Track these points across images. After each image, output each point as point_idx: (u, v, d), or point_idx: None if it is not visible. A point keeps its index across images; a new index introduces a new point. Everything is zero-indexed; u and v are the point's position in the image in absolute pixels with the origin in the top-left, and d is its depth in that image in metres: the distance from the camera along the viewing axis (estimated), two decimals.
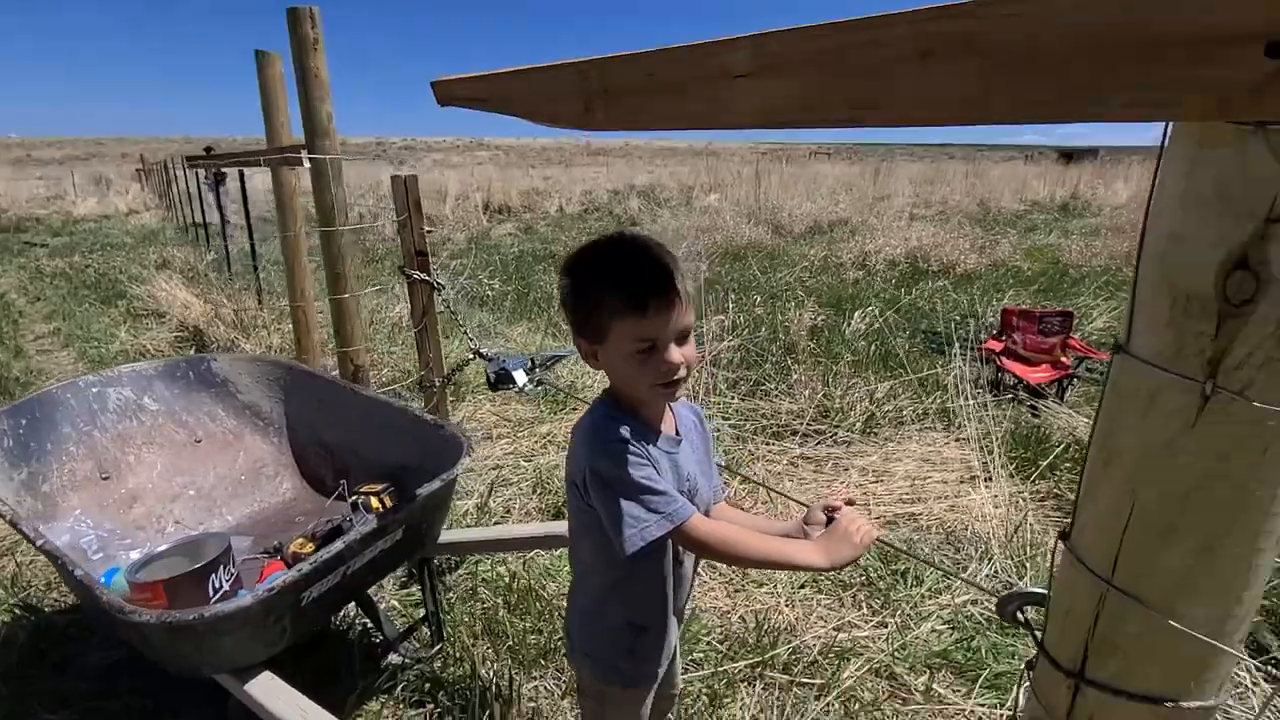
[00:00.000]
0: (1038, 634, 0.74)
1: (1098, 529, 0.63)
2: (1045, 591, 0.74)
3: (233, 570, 1.40)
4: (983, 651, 1.81)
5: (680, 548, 1.02)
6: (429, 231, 2.23)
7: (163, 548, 1.41)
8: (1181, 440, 0.55)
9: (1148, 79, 0.46)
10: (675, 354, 0.90)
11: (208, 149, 9.17)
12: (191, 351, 4.41)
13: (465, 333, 2.14)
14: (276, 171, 3.59)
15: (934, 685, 1.71)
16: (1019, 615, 0.79)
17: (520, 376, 1.79)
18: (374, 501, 1.65)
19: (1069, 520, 0.69)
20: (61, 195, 17.05)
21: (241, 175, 6.28)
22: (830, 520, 1.04)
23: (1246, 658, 0.58)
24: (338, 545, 1.22)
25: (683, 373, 0.93)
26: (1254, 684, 1.68)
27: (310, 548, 1.53)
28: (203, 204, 8.39)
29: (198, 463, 1.82)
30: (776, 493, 2.60)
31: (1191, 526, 0.56)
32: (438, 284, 2.27)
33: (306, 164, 2.93)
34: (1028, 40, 0.50)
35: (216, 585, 1.34)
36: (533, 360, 1.89)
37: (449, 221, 11.34)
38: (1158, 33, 0.45)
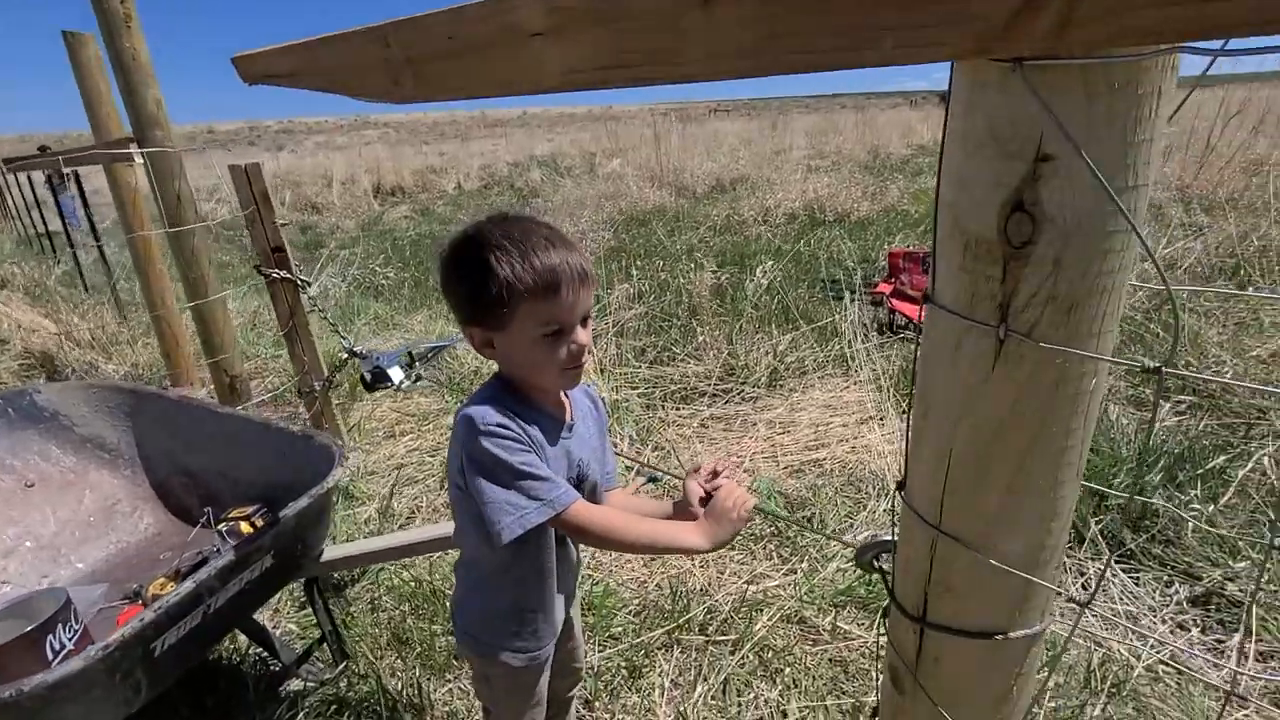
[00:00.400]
0: (890, 582, 0.75)
1: (925, 477, 0.63)
2: (893, 539, 0.75)
3: (76, 626, 1.25)
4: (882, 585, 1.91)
5: None
6: (282, 225, 2.04)
7: None
8: (985, 385, 0.55)
9: (910, 18, 0.44)
10: (583, 335, 0.89)
11: (42, 148, 8.10)
12: (42, 379, 3.93)
13: (337, 331, 1.99)
14: (110, 169, 3.19)
15: (839, 623, 1.79)
16: (874, 564, 0.80)
17: (396, 374, 1.69)
18: (245, 526, 1.52)
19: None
20: None
21: (77, 176, 5.59)
22: (709, 495, 1.04)
23: (1057, 588, 0.60)
24: (188, 586, 1.11)
25: (587, 355, 0.92)
26: (1112, 575, 1.86)
27: (172, 586, 1.39)
28: (42, 211, 7.44)
29: (32, 510, 1.61)
30: (649, 468, 2.63)
31: (1001, 467, 0.57)
32: (302, 281, 2.09)
33: (139, 159, 2.62)
34: None
35: (56, 646, 1.20)
36: (411, 354, 1.78)
37: (336, 208, 10.63)
38: None
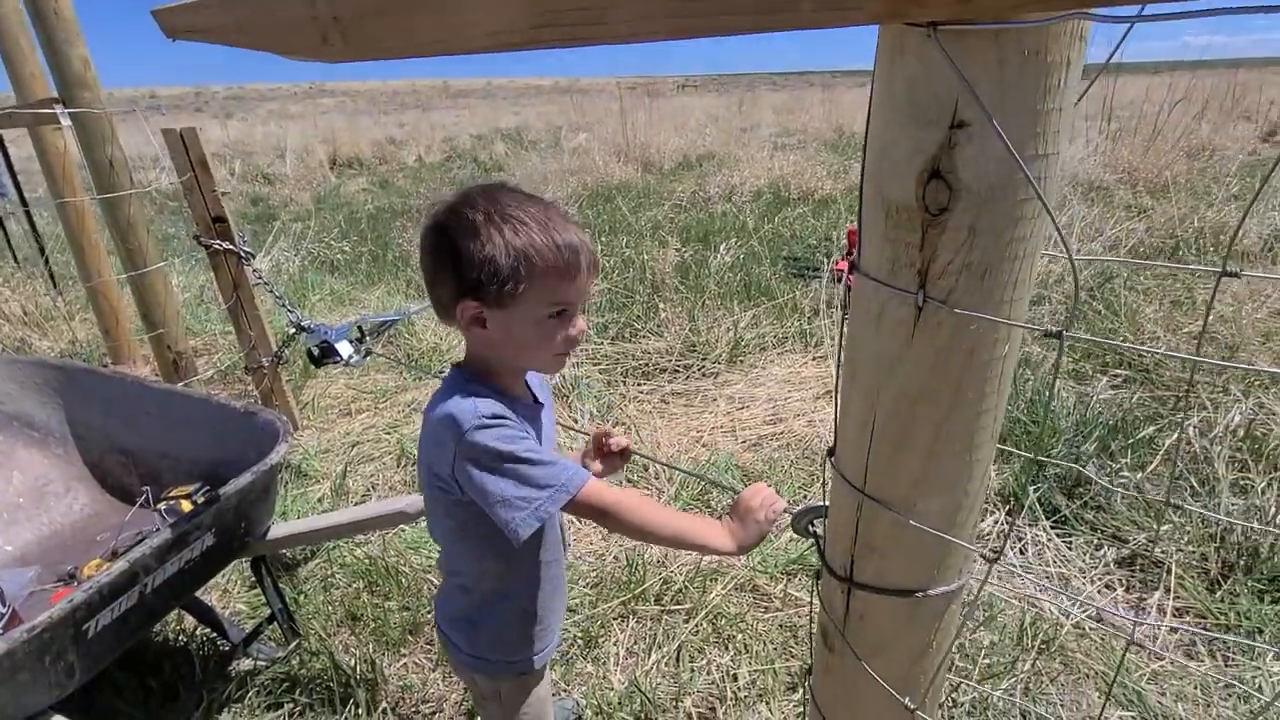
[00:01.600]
0: (822, 545, 0.78)
1: (851, 443, 0.65)
2: (824, 504, 0.77)
3: (3, 609, 1.20)
4: None
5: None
6: (224, 194, 1.96)
7: None
8: (905, 351, 0.57)
9: None
10: (582, 321, 0.87)
11: None
12: None
13: (283, 303, 1.93)
14: (35, 133, 3.00)
15: (790, 590, 1.84)
16: (809, 528, 0.82)
17: (345, 348, 1.65)
18: (185, 505, 1.48)
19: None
20: None
21: (1, 141, 5.25)
22: (604, 449, 1.05)
23: (973, 548, 0.63)
24: (120, 565, 1.07)
25: (579, 344, 0.88)
26: (1049, 541, 1.95)
27: (108, 567, 1.35)
28: None
29: None
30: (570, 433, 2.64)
31: (920, 432, 0.59)
32: (245, 252, 2.02)
33: (65, 121, 2.48)
34: None
35: None
36: (360, 329, 1.74)
37: (290, 180, 10.23)
38: None
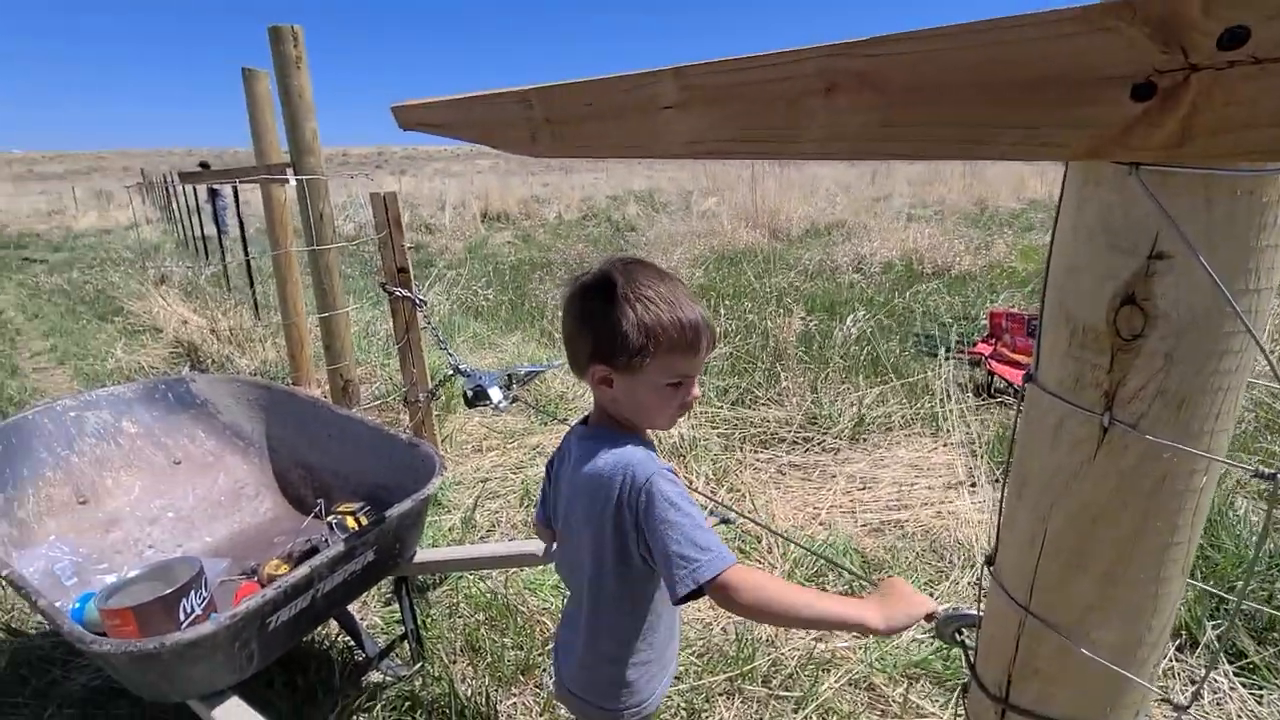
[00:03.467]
0: (971, 658, 0.74)
1: (1015, 555, 0.63)
2: (978, 614, 0.74)
3: (205, 594, 1.41)
4: (961, 660, 1.81)
5: None
6: (411, 249, 2.25)
7: (134, 573, 1.42)
8: (1086, 470, 0.56)
9: (1029, 118, 0.47)
10: (696, 389, 0.95)
11: (203, 164, 9.25)
12: (186, 367, 4.44)
13: (445, 349, 2.16)
14: (266, 188, 3.62)
15: (911, 695, 1.71)
16: (957, 637, 0.79)
17: (496, 393, 1.80)
18: (350, 521, 1.66)
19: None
20: (62, 210, 17.18)
21: (235, 190, 6.32)
22: None
23: (1154, 689, 0.58)
24: (303, 570, 1.23)
25: (692, 408, 0.97)
26: (1231, 690, 1.67)
27: (285, 569, 1.54)
28: (201, 217, 8.46)
29: (176, 485, 1.83)
30: (723, 508, 2.61)
31: (1098, 555, 0.57)
32: (419, 300, 2.28)
33: (292, 183, 2.97)
34: (916, 77, 0.51)
35: (188, 610, 1.35)
36: (510, 376, 1.90)
37: (447, 230, 11.38)
38: (1036, 74, 0.46)
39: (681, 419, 3.22)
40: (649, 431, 1.00)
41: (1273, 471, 0.45)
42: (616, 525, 0.89)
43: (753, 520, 2.44)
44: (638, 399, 0.92)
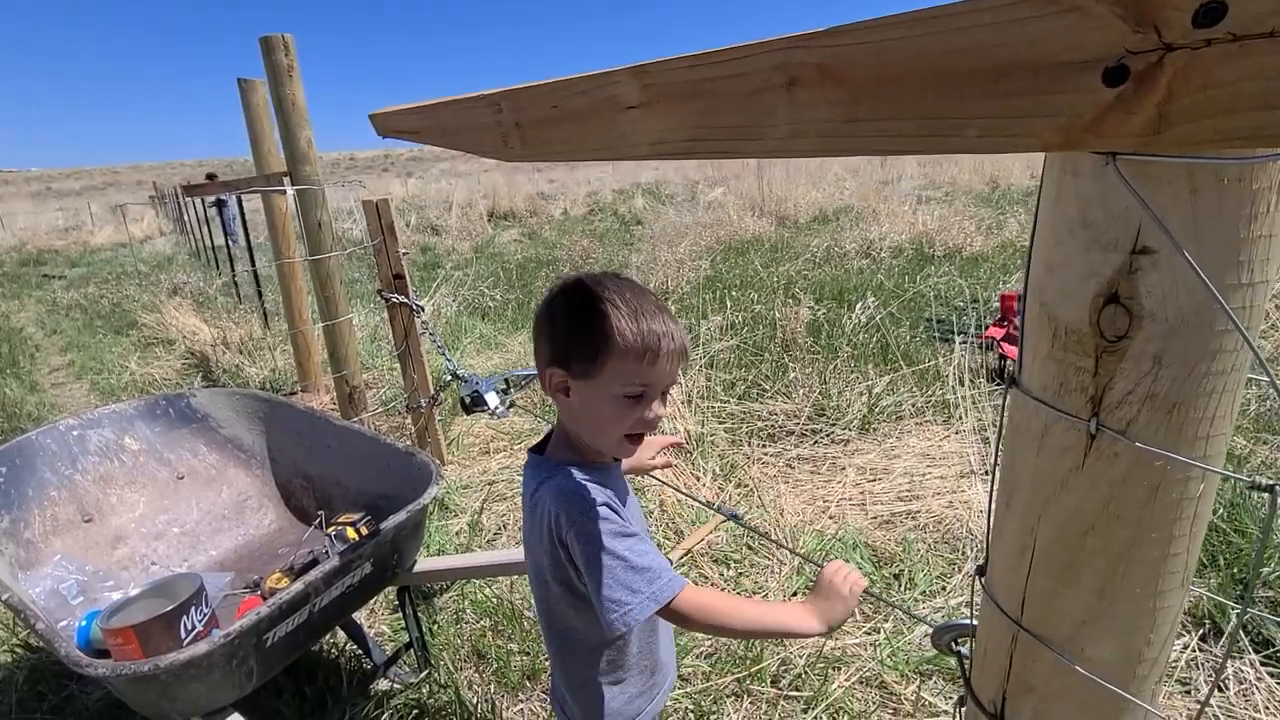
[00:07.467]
0: (967, 669, 0.71)
1: (1006, 566, 0.60)
2: (972, 623, 0.71)
3: (205, 610, 1.41)
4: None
5: None
6: (404, 254, 2.24)
7: (135, 591, 1.43)
8: (1074, 479, 0.52)
9: (995, 108, 0.44)
10: (658, 408, 0.88)
11: (210, 175, 9.34)
12: (199, 378, 4.49)
13: (443, 353, 2.14)
14: (266, 198, 3.63)
15: (924, 693, 1.67)
16: (952, 647, 0.76)
17: (493, 399, 1.79)
18: (350, 532, 1.66)
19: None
20: (79, 225, 17.48)
21: (239, 201, 6.37)
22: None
23: (1152, 708, 0.55)
24: (298, 587, 1.22)
25: (653, 432, 0.90)
26: (1258, 680, 1.62)
27: (285, 582, 1.54)
28: (210, 228, 8.56)
29: (180, 499, 1.84)
30: (730, 506, 2.58)
31: (1090, 567, 0.53)
32: (416, 306, 2.27)
33: (290, 192, 2.97)
34: (877, 69, 0.48)
35: (189, 626, 1.36)
36: (507, 381, 1.88)
37: (454, 231, 11.41)
38: (999, 61, 0.43)
39: (687, 414, 3.18)
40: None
41: (1272, 483, 0.41)
42: (556, 559, 0.87)
43: (754, 530, 2.42)
44: (592, 411, 0.87)
